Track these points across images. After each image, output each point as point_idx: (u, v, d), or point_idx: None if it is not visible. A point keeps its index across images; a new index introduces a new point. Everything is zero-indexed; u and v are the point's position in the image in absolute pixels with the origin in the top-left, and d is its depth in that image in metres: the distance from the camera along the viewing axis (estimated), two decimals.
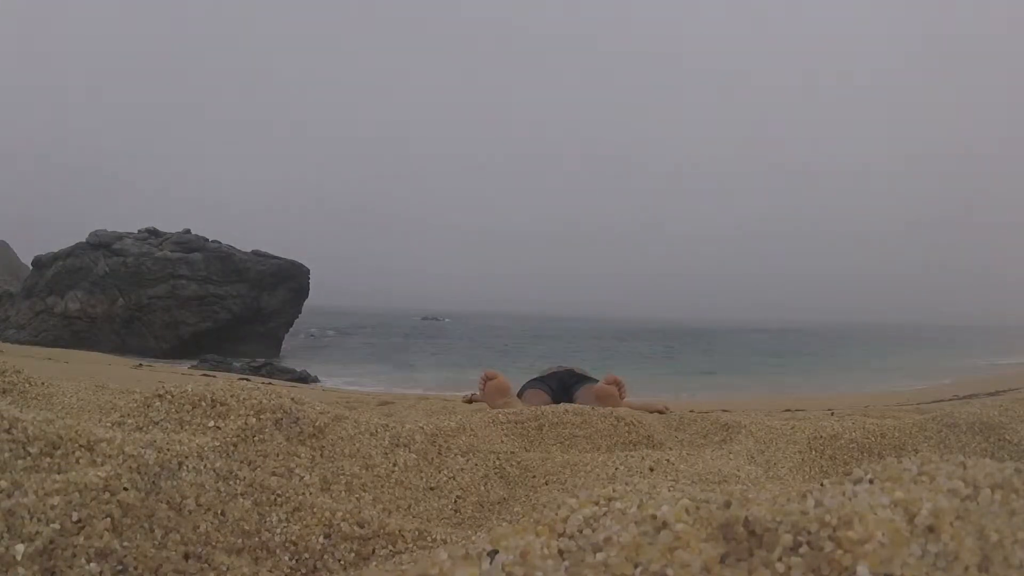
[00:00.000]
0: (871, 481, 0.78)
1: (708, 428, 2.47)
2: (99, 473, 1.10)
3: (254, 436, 1.42)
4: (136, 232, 28.30)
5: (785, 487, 0.83)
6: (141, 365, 16.36)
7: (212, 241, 28.57)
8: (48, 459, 1.20)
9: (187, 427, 1.46)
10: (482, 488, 1.69)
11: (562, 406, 2.36)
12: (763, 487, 0.82)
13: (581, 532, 0.62)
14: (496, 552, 0.61)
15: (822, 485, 0.77)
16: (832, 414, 5.71)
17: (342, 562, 1.21)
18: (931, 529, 0.59)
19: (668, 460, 1.86)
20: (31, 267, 29.43)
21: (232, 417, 1.46)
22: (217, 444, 1.33)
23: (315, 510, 1.27)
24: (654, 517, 0.61)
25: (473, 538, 1.00)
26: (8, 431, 1.22)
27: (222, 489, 1.22)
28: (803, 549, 0.55)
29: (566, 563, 0.56)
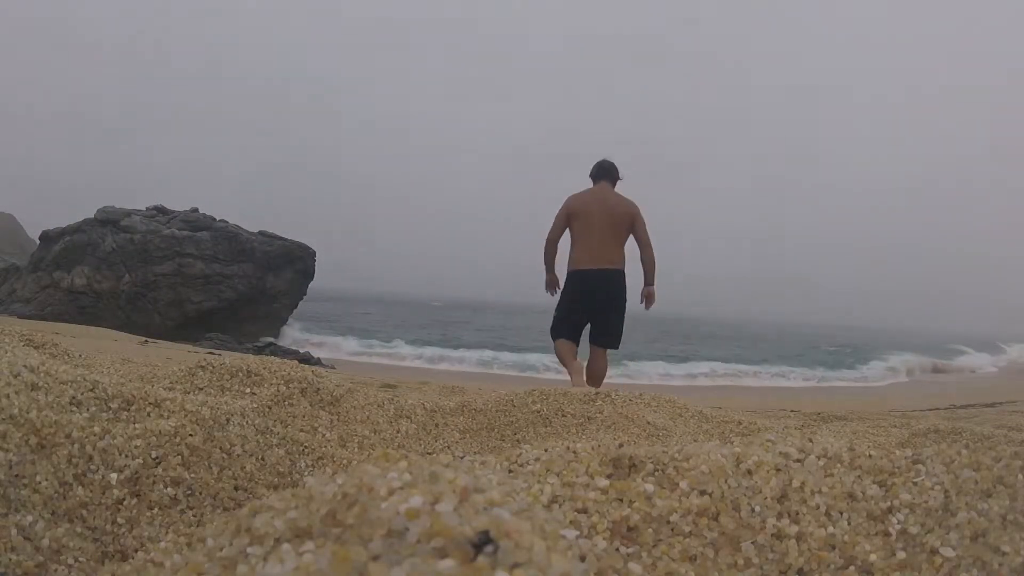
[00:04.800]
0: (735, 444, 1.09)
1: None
2: (170, 423, 1.41)
3: (284, 401, 1.74)
4: (144, 209, 28.61)
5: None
6: (147, 342, 16.69)
7: (219, 220, 28.88)
8: (125, 412, 1.52)
9: (228, 392, 1.78)
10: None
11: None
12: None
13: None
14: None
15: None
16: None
17: None
18: (749, 472, 0.91)
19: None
20: (38, 242, 29.73)
21: (265, 385, 1.78)
22: (255, 406, 1.64)
23: (334, 459, 1.59)
24: (572, 451, 0.93)
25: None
26: (92, 390, 1.55)
27: (261, 440, 1.53)
28: (657, 472, 0.87)
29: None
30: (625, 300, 5.07)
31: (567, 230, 5.13)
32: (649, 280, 5.12)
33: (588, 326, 5.13)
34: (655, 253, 5.04)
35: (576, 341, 5.06)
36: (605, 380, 5.15)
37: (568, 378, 4.94)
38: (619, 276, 5.02)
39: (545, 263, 5.18)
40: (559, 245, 5.21)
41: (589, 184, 5.26)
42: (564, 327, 5.05)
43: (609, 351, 5.16)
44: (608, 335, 5.02)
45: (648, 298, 5.17)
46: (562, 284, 5.17)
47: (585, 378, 5.03)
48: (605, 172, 5.23)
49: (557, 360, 5.19)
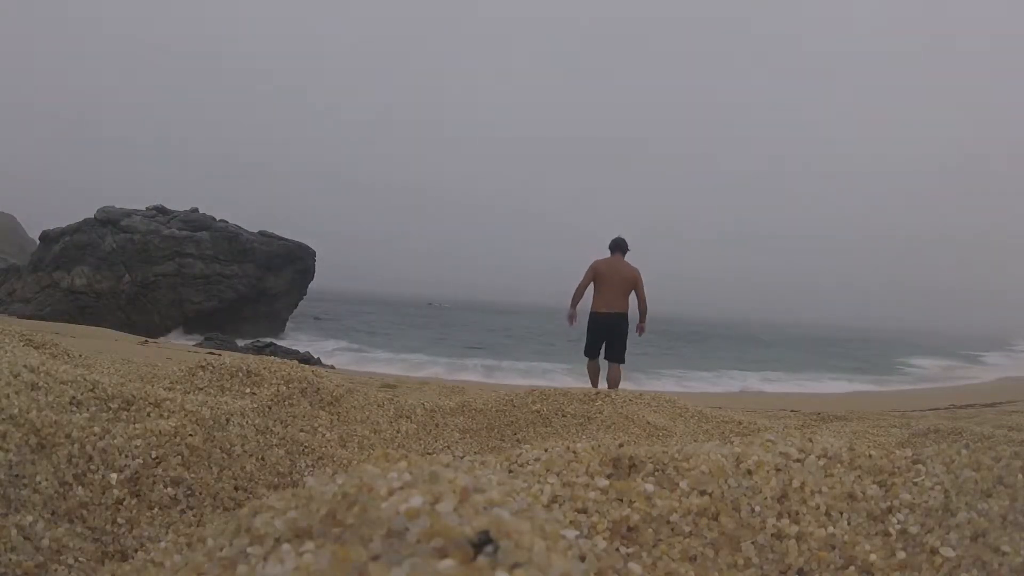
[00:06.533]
0: (735, 444, 1.09)
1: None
2: (170, 423, 1.41)
3: (284, 401, 1.74)
4: (144, 209, 28.64)
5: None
6: (147, 342, 16.67)
7: (219, 220, 28.90)
8: (125, 412, 1.52)
9: (228, 392, 1.78)
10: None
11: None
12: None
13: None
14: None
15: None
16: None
17: None
18: (749, 472, 0.91)
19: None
20: (38, 242, 29.73)
21: (265, 385, 1.78)
22: (255, 406, 1.64)
23: (334, 459, 1.59)
24: (572, 451, 0.93)
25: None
26: (92, 390, 1.55)
27: (261, 440, 1.53)
28: (657, 472, 0.87)
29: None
30: (627, 332, 7.76)
31: (591, 284, 7.70)
32: (642, 319, 7.86)
33: (604, 347, 7.75)
34: (648, 304, 7.79)
35: (597, 356, 7.66)
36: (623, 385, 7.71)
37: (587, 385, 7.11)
38: (623, 318, 7.70)
39: (571, 302, 7.83)
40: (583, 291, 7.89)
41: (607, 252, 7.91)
42: (590, 349, 7.71)
43: (621, 363, 7.88)
44: (617, 353, 7.66)
45: (640, 331, 7.86)
46: (586, 320, 7.74)
47: (606, 383, 7.54)
48: (618, 246, 7.79)
49: (581, 371, 8.16)
